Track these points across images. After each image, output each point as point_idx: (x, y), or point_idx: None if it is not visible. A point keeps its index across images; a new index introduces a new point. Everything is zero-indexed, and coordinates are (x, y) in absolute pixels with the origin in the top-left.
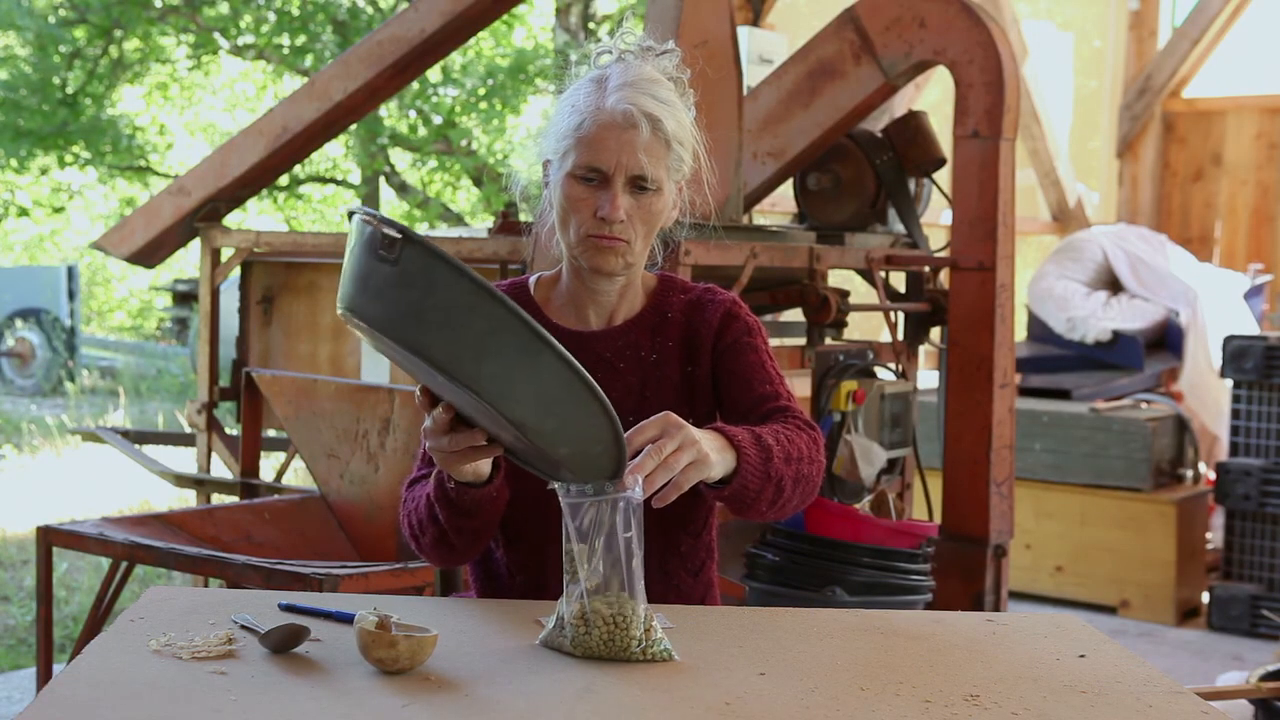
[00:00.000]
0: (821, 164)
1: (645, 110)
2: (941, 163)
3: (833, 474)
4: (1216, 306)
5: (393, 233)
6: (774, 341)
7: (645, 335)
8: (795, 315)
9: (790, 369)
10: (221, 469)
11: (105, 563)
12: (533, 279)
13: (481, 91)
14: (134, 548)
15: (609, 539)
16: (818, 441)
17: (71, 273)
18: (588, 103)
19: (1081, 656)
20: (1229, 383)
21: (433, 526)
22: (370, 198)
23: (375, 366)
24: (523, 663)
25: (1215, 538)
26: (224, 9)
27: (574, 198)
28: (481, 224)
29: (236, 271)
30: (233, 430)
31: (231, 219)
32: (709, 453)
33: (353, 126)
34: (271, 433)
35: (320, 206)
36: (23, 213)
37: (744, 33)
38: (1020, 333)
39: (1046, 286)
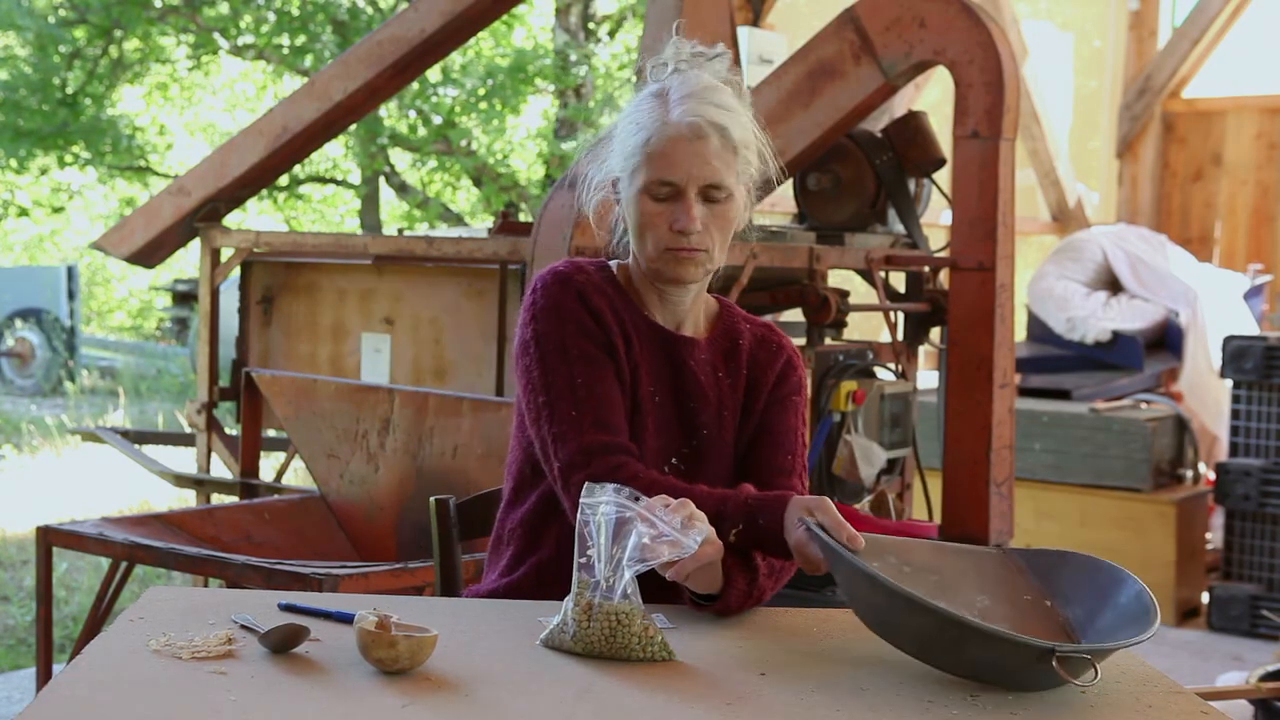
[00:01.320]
0: (821, 164)
1: (711, 120)
2: (941, 163)
3: (833, 474)
4: (1216, 307)
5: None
6: None
7: (720, 358)
8: (795, 315)
9: None
10: (221, 469)
11: (105, 563)
12: (613, 264)
13: (481, 91)
14: (134, 548)
15: (623, 544)
16: None
17: (71, 273)
18: (652, 118)
19: None
20: (1229, 383)
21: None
22: (370, 198)
23: (375, 367)
24: (523, 663)
25: (1215, 538)
26: (224, 9)
27: (649, 213)
28: (481, 224)
29: (236, 271)
30: (233, 430)
31: (231, 219)
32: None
33: (353, 126)
34: (271, 433)
35: (320, 206)
36: (23, 213)
37: (744, 33)
38: (1020, 333)
39: (1046, 286)
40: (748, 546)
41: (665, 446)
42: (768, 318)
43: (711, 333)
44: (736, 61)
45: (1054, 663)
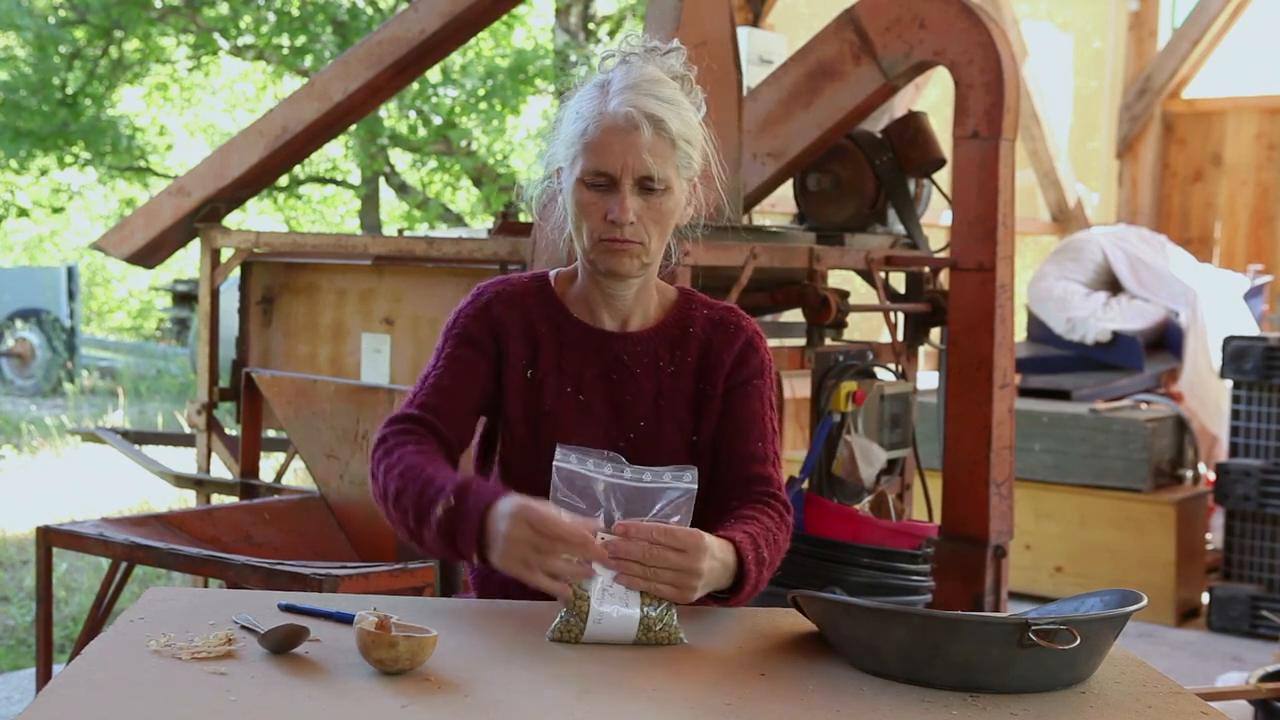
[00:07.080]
0: (821, 164)
1: (647, 111)
2: (941, 163)
3: (833, 474)
4: (1216, 307)
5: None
6: (773, 342)
7: (665, 346)
8: (795, 315)
9: (790, 369)
10: (221, 469)
11: (105, 563)
12: (552, 273)
13: (481, 92)
14: (134, 548)
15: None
16: (789, 524)
17: (71, 273)
18: (591, 108)
19: None
20: (1229, 383)
21: (420, 521)
22: (370, 198)
23: (375, 367)
24: (523, 663)
25: (1215, 538)
26: (224, 9)
27: (584, 203)
28: (481, 224)
29: (236, 272)
30: (233, 430)
31: (231, 219)
32: (698, 591)
33: (353, 127)
34: (271, 433)
35: (320, 207)
36: (23, 213)
37: (744, 33)
38: (1020, 333)
39: (1046, 287)
40: (452, 525)
41: (595, 443)
42: (766, 318)
43: (660, 323)
44: (737, 62)
45: (1031, 634)
